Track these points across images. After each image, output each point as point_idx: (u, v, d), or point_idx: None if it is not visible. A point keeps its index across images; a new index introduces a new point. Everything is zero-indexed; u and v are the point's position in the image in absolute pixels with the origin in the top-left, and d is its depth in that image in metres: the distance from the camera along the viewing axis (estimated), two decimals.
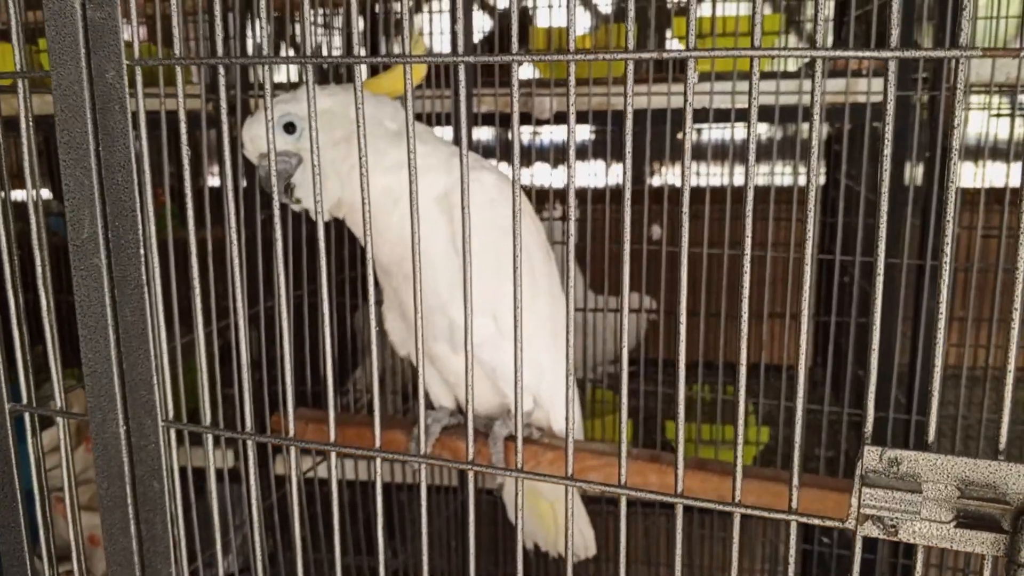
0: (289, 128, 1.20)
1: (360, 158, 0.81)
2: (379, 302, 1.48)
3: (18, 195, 3.57)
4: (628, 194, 0.73)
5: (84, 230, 0.83)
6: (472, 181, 1.31)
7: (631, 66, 0.70)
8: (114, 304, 0.85)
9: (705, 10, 2.30)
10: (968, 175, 2.11)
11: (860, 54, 0.71)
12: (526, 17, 2.44)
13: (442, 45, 2.55)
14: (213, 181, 2.92)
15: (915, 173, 2.10)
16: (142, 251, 0.82)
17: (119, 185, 0.82)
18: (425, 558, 0.84)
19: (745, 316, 0.71)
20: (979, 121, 2.13)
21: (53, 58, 0.81)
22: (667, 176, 3.08)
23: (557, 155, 2.71)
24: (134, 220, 0.82)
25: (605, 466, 1.36)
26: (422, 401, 0.85)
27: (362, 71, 0.79)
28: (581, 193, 2.61)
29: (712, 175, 2.78)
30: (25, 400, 0.94)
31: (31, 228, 0.91)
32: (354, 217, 1.31)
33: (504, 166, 2.99)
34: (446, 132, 2.08)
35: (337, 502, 0.86)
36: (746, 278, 0.71)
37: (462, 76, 0.79)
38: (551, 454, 1.41)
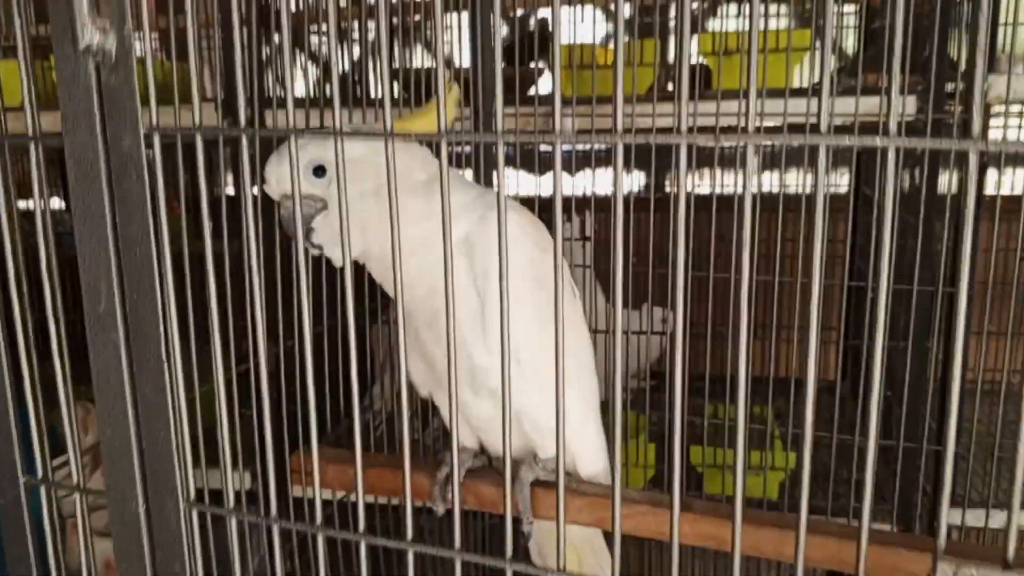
0: (318, 172, 1.15)
1: (391, 213, 0.76)
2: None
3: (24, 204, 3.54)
4: (680, 284, 0.68)
5: (101, 304, 0.79)
6: (491, 221, 1.28)
7: (683, 148, 0.66)
8: (132, 380, 0.80)
9: (730, 17, 2.25)
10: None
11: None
12: (545, 30, 2.39)
13: (461, 58, 2.50)
14: (228, 190, 2.88)
15: (950, 180, 2.04)
16: (162, 328, 0.78)
17: (137, 259, 0.77)
18: None
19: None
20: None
21: (66, 124, 0.77)
22: (690, 182, 3.02)
23: (574, 163, 2.67)
24: (153, 296, 0.78)
25: (636, 515, 1.31)
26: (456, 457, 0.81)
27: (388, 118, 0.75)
28: (596, 202, 2.56)
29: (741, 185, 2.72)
30: (40, 474, 0.90)
31: (42, 267, 0.87)
32: (373, 265, 1.27)
33: (523, 174, 2.94)
34: (466, 172, 2.04)
35: None
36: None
37: (500, 160, 0.74)
38: (579, 501, 1.36)
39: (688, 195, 2.64)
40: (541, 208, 1.65)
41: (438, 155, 0.81)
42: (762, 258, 2.24)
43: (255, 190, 0.91)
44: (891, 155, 0.63)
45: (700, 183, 3.04)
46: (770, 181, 3.01)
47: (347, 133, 0.82)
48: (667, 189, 3.18)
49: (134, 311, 0.79)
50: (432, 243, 1.19)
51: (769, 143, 0.68)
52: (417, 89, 2.04)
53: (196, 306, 1.11)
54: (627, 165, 2.53)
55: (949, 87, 1.93)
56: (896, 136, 0.62)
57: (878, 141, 0.62)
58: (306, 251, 1.30)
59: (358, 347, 2.02)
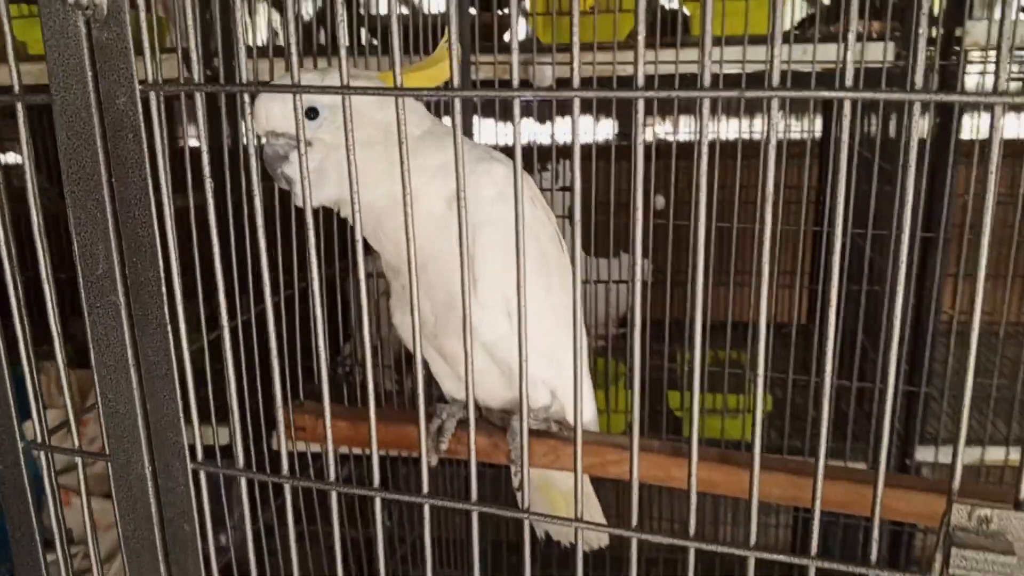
0: (310, 113, 1.13)
1: (402, 167, 0.76)
2: (385, 294, 1.44)
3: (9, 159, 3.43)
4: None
5: (99, 266, 0.78)
6: (482, 174, 1.26)
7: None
8: (135, 343, 0.79)
9: None
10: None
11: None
12: None
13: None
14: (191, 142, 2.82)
15: (921, 126, 2.06)
16: (164, 288, 0.77)
17: (136, 219, 0.76)
18: None
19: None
20: None
21: (55, 82, 0.74)
22: (661, 130, 3.01)
23: (548, 110, 2.64)
24: (154, 255, 0.76)
25: (627, 460, 1.34)
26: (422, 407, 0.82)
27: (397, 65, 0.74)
28: (569, 151, 2.55)
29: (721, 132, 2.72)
30: (39, 437, 0.89)
31: (36, 244, 0.85)
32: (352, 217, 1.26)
33: (502, 126, 2.91)
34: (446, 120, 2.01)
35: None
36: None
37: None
38: (571, 448, 1.38)
39: (648, 145, 2.65)
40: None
41: (443, 112, 0.79)
42: (726, 203, 2.26)
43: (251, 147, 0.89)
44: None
45: (667, 132, 3.03)
46: (736, 128, 3.02)
47: (356, 89, 0.80)
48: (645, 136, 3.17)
49: (134, 272, 0.77)
50: (420, 197, 1.18)
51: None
52: (386, 37, 1.99)
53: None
54: (604, 112, 2.51)
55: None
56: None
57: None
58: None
59: (329, 303, 2.00)
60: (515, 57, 0.72)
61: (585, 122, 2.99)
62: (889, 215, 2.01)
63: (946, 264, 1.90)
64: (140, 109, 0.73)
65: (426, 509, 0.80)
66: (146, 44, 0.73)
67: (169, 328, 0.78)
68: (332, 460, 0.81)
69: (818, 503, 0.68)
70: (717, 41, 1.98)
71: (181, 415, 0.80)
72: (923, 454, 1.95)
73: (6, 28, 0.77)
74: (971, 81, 1.95)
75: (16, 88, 0.78)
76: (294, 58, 0.74)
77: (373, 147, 1.13)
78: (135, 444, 0.82)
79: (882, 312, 2.03)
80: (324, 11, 2.52)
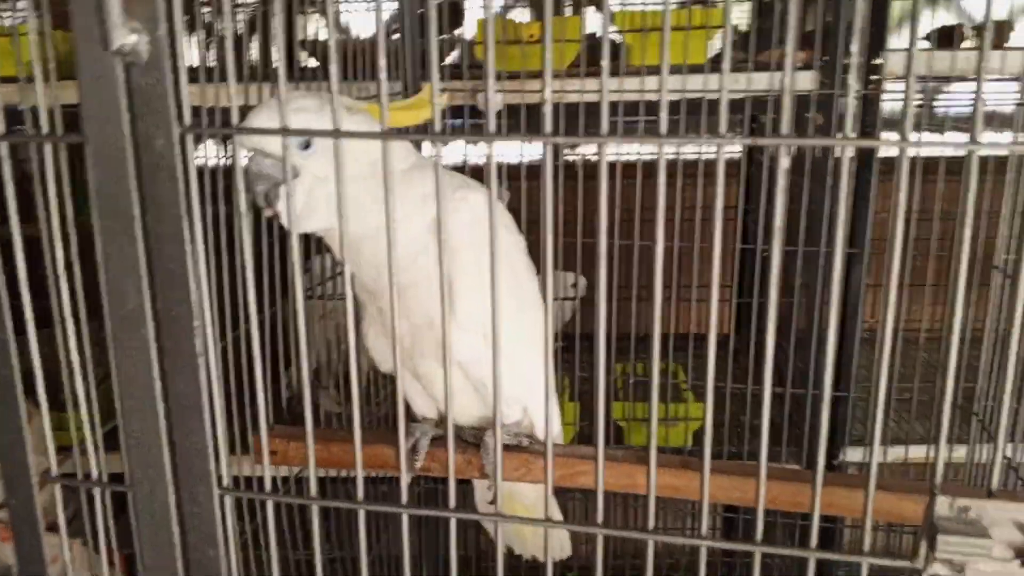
0: (304, 144, 1.16)
1: (387, 208, 0.81)
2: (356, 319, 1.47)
3: None
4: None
5: (129, 301, 0.80)
6: (459, 200, 1.33)
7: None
8: (163, 375, 0.82)
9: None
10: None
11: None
12: (458, 6, 2.41)
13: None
14: None
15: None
16: (197, 322, 0.80)
17: (169, 256, 0.78)
18: None
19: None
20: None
21: (89, 124, 0.76)
22: (582, 149, 3.11)
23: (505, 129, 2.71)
24: (187, 290, 0.79)
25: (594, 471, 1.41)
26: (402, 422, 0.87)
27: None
28: (513, 172, 2.62)
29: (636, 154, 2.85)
30: (55, 470, 0.90)
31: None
32: (337, 243, 1.30)
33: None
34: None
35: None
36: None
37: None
38: (543, 462, 1.44)
39: (590, 165, 2.74)
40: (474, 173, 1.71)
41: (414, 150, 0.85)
42: (664, 222, 2.37)
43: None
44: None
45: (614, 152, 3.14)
46: (667, 150, 3.15)
47: (348, 133, 0.85)
48: (567, 157, 3.28)
49: (166, 308, 0.80)
50: (402, 226, 1.23)
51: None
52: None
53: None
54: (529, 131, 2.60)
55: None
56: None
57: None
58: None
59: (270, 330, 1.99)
60: (491, 100, 0.78)
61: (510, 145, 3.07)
62: (811, 230, 2.15)
63: (868, 276, 2.06)
64: (178, 151, 0.76)
65: (404, 519, 0.85)
66: (184, 86, 0.76)
67: (200, 360, 0.80)
68: (313, 477, 0.86)
69: (818, 500, 0.77)
70: (649, 70, 2.10)
71: (210, 444, 0.83)
72: (851, 455, 2.10)
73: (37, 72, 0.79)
74: (888, 106, 2.11)
75: (45, 128, 0.80)
76: (283, 95, 0.78)
77: (360, 180, 1.17)
78: (160, 473, 0.84)
79: (807, 322, 2.17)
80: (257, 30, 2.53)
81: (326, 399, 2.58)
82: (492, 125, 0.76)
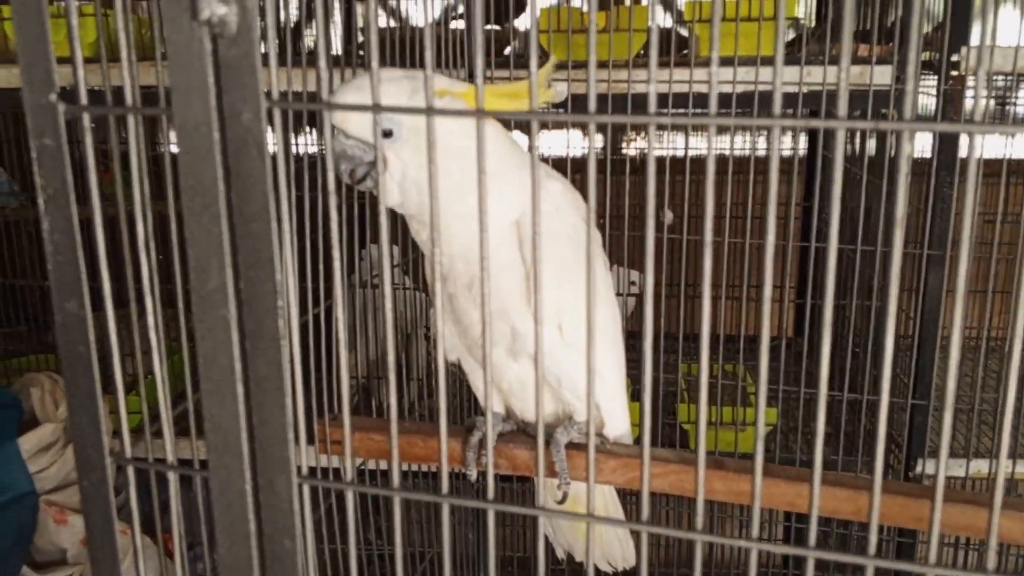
0: (386, 133, 1.14)
1: (480, 196, 0.77)
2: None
3: None
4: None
5: (211, 280, 0.78)
6: (540, 190, 1.28)
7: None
8: (244, 357, 0.79)
9: None
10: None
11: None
12: None
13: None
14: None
15: (915, 147, 2.14)
16: (281, 302, 0.77)
17: (255, 235, 0.76)
18: None
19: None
20: None
21: (177, 96, 0.74)
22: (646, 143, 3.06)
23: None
24: (272, 270, 0.76)
25: (669, 473, 1.36)
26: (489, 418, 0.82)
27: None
28: (559, 164, 2.59)
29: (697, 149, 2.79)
30: (129, 452, 0.88)
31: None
32: (416, 226, 1.28)
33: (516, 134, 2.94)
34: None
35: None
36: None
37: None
38: (613, 462, 1.40)
39: (658, 159, 2.68)
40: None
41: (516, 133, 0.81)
42: (720, 219, 2.31)
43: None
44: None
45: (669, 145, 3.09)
46: (737, 143, 3.09)
47: (440, 111, 0.81)
48: (628, 151, 3.23)
49: (249, 287, 0.77)
50: (488, 214, 1.19)
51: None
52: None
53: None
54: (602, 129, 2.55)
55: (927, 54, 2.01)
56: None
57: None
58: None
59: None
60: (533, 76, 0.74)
61: (577, 136, 3.03)
62: (880, 230, 2.07)
63: (949, 280, 1.97)
64: (265, 125, 0.73)
65: (445, 508, 0.81)
66: (272, 59, 0.73)
67: (283, 342, 0.78)
68: (396, 468, 0.82)
69: (876, 505, 0.71)
70: (725, 62, 2.04)
71: (290, 430, 0.80)
72: (929, 467, 2.01)
73: (122, 42, 0.77)
74: (970, 103, 2.02)
75: (129, 100, 0.78)
76: (374, 72, 0.74)
77: (451, 168, 1.14)
78: (237, 459, 0.82)
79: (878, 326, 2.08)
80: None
81: (387, 391, 2.56)
82: (535, 103, 0.72)
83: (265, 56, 0.73)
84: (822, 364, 0.73)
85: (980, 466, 1.94)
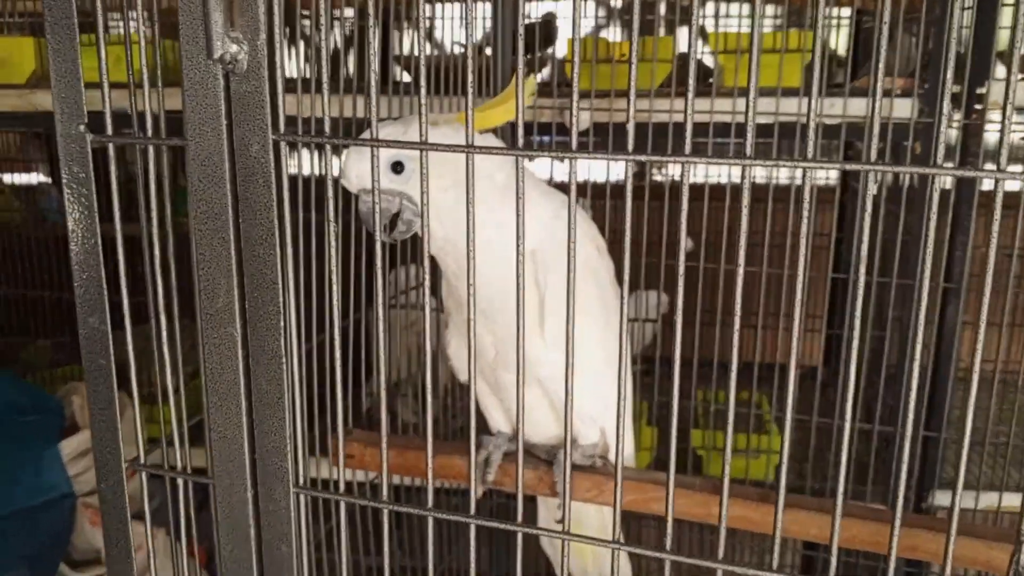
0: (397, 168, 1.17)
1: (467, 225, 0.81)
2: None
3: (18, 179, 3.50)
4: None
5: (219, 300, 0.83)
6: (556, 219, 1.32)
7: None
8: (247, 372, 0.85)
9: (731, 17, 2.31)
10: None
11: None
12: (551, 25, 2.43)
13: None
14: None
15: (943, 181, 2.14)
16: (282, 322, 0.82)
17: (260, 258, 0.81)
18: None
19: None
20: None
21: (191, 128, 0.80)
22: (670, 170, 3.08)
23: (559, 147, 2.71)
24: (275, 292, 0.82)
25: (680, 497, 1.38)
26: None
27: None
28: (582, 188, 2.62)
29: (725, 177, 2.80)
30: (143, 459, 0.94)
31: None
32: (444, 258, 1.30)
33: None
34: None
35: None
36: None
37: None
38: (614, 484, 1.42)
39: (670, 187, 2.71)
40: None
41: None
42: (752, 247, 2.32)
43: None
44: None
45: (694, 174, 3.11)
46: (758, 173, 3.09)
47: (430, 146, 0.86)
48: (655, 177, 3.25)
49: (254, 307, 0.82)
50: (505, 244, 1.22)
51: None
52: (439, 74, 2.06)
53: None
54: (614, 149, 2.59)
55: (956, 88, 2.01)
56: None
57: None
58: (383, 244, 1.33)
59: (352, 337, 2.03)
60: (575, 117, 0.78)
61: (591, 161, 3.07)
62: (908, 263, 2.07)
63: (965, 313, 1.97)
64: (272, 157, 0.79)
65: (472, 528, 0.85)
66: (280, 95, 0.79)
67: (284, 360, 0.83)
68: (386, 481, 0.86)
69: (895, 539, 0.74)
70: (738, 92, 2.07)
71: (288, 442, 0.85)
72: (940, 499, 2.00)
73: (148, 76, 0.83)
74: (992, 136, 2.03)
75: (150, 131, 0.84)
76: (373, 117, 0.79)
77: (460, 190, 1.18)
78: (239, 468, 0.87)
79: (900, 357, 2.09)
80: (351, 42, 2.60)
81: (404, 408, 2.61)
82: (575, 142, 0.76)
83: (293, 82, 0.78)
84: (848, 396, 0.75)
85: (990, 499, 1.93)
